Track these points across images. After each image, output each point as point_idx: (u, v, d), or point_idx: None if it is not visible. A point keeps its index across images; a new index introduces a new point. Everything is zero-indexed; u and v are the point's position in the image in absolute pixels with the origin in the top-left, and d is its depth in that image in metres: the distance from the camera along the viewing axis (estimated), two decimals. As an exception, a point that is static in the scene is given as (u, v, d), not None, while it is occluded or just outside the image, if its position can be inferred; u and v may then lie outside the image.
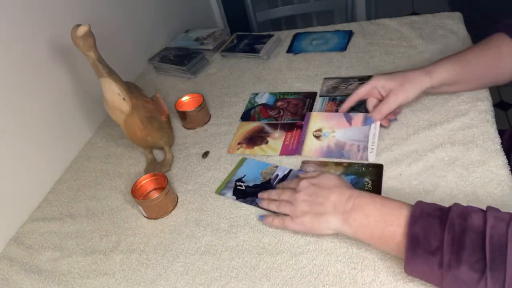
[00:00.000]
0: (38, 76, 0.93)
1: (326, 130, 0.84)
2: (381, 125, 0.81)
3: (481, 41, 0.78)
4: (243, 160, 0.85)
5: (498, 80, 0.78)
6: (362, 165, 0.76)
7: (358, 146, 0.79)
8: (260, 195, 0.74)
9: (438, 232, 0.50)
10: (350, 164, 0.77)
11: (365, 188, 0.71)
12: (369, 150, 0.78)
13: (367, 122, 0.82)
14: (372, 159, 0.76)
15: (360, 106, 0.89)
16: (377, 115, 0.80)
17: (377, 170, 0.74)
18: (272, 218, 0.69)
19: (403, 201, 0.58)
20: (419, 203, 0.55)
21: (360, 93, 0.82)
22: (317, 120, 0.87)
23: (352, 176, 0.74)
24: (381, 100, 0.81)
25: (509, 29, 0.75)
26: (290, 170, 0.80)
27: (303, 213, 0.64)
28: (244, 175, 0.81)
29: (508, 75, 0.76)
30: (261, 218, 0.71)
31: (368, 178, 0.73)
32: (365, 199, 0.60)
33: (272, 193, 0.71)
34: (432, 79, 0.76)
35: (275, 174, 0.80)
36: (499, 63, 0.75)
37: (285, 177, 0.79)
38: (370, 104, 0.83)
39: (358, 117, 0.84)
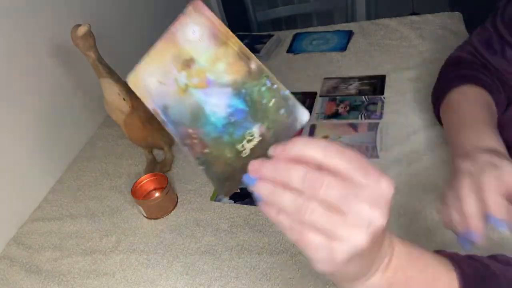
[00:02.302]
0: (38, 76, 0.92)
1: (332, 137, 0.84)
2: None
3: (460, 101, 0.65)
4: None
5: None
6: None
7: (367, 146, 0.79)
8: (253, 169, 0.33)
9: None
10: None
11: None
12: (378, 149, 0.78)
13: (373, 128, 0.81)
14: (382, 156, 0.76)
15: (361, 106, 0.89)
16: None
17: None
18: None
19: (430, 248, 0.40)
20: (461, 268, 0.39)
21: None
22: (322, 129, 0.87)
23: None
24: None
25: (469, 80, 0.67)
26: None
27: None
28: None
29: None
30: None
31: None
32: (402, 260, 0.36)
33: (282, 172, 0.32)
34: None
35: None
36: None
37: None
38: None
39: (363, 124, 0.84)
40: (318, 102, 0.94)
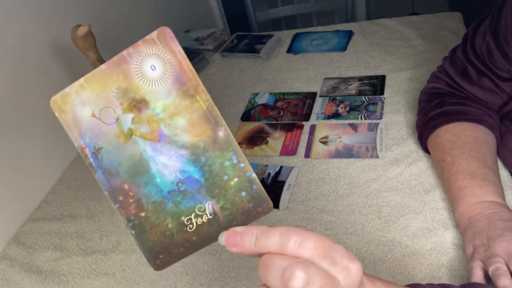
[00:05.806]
0: (38, 76, 0.92)
1: (332, 137, 0.84)
2: None
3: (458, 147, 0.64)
4: None
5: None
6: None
7: (367, 147, 0.79)
8: (230, 238, 0.30)
9: None
10: None
11: None
12: (378, 149, 0.78)
13: (373, 128, 0.82)
14: (382, 156, 0.76)
15: (361, 106, 0.89)
16: None
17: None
18: None
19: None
20: None
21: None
22: (322, 129, 0.87)
23: None
24: None
25: (456, 117, 0.67)
26: (281, 167, 0.80)
27: None
28: None
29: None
30: None
31: None
32: None
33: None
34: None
35: (267, 172, 0.80)
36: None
37: (277, 175, 0.79)
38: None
39: (363, 124, 0.84)
40: (318, 102, 0.95)
